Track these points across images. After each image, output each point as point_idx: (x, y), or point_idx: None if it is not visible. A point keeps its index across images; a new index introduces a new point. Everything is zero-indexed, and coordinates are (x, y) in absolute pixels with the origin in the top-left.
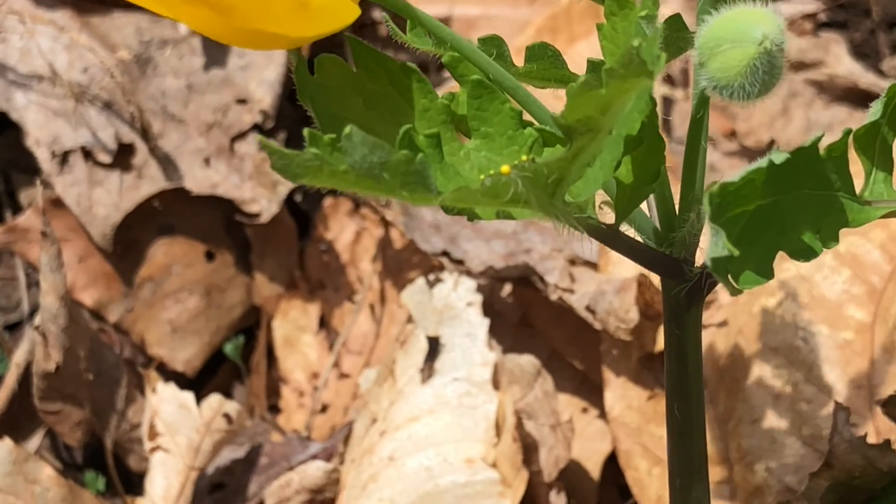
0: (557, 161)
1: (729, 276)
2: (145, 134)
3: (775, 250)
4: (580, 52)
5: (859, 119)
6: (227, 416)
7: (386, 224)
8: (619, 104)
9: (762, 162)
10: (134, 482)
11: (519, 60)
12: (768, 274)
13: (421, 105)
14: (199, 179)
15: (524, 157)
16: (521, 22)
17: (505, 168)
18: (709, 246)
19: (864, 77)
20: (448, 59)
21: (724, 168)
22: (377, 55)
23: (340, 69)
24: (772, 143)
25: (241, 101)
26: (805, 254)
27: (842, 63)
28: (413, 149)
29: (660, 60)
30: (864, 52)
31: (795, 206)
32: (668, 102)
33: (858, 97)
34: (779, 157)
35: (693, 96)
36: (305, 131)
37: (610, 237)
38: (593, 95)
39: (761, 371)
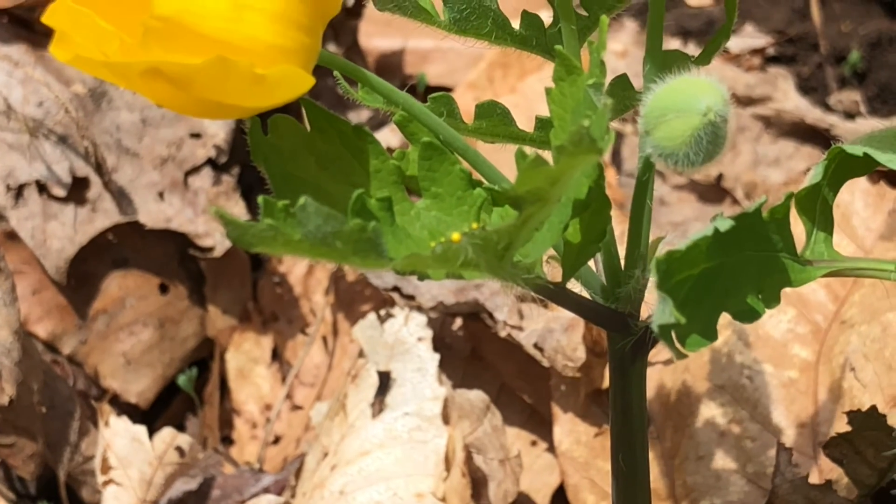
0: (507, 228)
1: (675, 340)
2: (100, 168)
3: (719, 312)
4: (531, 86)
5: (806, 154)
6: (179, 450)
7: None
8: (567, 176)
9: (707, 230)
10: None
11: (471, 94)
12: (712, 336)
13: (373, 166)
14: (152, 213)
15: (475, 225)
16: (474, 56)
17: (455, 236)
18: (655, 312)
19: (811, 112)
20: (399, 118)
21: (673, 202)
22: (330, 116)
23: (294, 129)
24: (720, 178)
25: (195, 136)
26: (748, 315)
27: (789, 98)
28: (365, 213)
29: (609, 137)
30: (812, 86)
31: (739, 267)
32: (618, 136)
33: (805, 132)
34: (724, 225)
35: (638, 160)
36: (260, 199)
37: (557, 295)
38: (543, 170)
39: (707, 408)
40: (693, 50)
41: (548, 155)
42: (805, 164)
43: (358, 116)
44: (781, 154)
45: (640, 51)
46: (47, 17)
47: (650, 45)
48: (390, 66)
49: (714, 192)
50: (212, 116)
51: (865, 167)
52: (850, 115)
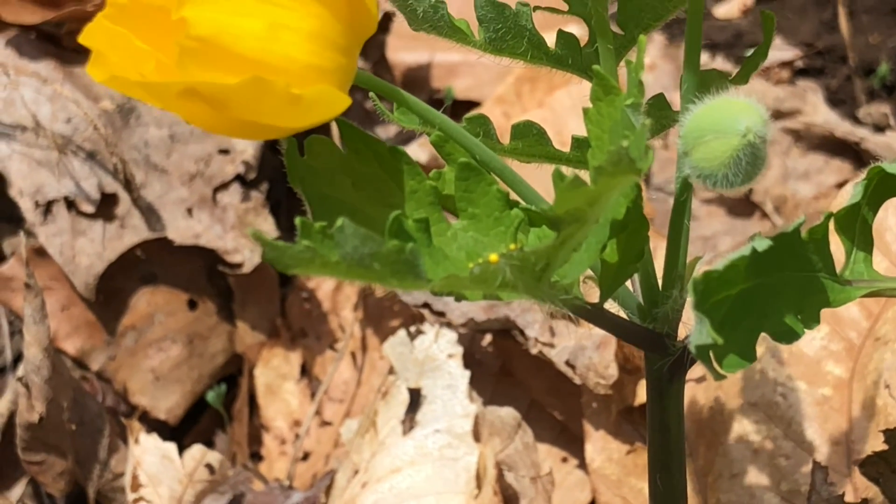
0: (545, 248)
1: (713, 361)
2: (128, 184)
3: (758, 333)
4: (560, 101)
5: (835, 168)
6: (209, 467)
7: None
8: (606, 197)
9: (745, 249)
10: None
11: (498, 108)
12: (751, 357)
13: (409, 186)
14: (181, 229)
15: (512, 246)
16: (501, 69)
17: (493, 256)
18: (693, 333)
19: (840, 126)
20: (435, 138)
21: (702, 216)
22: (366, 137)
23: (329, 150)
24: (749, 192)
25: (224, 152)
26: (787, 335)
27: (818, 112)
28: (403, 234)
29: (648, 157)
30: (841, 99)
31: (778, 288)
32: None
33: (835, 146)
34: (762, 245)
35: (676, 181)
36: (297, 220)
37: (594, 315)
38: (582, 191)
39: (741, 426)
40: (721, 62)
41: (585, 174)
42: (835, 178)
43: (385, 131)
44: (811, 167)
45: (668, 64)
46: (84, 38)
47: (688, 65)
48: (417, 79)
49: (743, 205)
50: (248, 136)
51: None
52: (880, 128)
